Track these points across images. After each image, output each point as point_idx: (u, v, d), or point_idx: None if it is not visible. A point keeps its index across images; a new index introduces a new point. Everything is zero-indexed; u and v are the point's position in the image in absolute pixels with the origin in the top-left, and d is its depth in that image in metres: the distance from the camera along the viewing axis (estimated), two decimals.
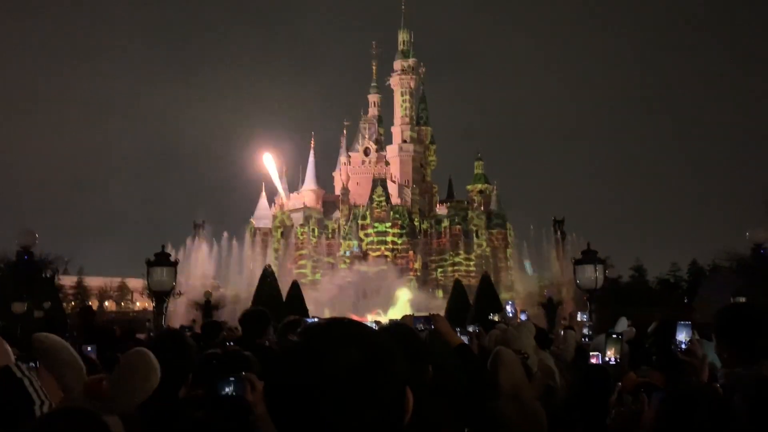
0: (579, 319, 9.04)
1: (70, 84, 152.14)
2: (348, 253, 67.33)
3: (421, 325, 4.03)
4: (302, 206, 70.60)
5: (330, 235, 69.15)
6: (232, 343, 6.49)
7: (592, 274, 13.37)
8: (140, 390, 2.72)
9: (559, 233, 60.30)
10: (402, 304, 55.45)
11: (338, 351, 1.15)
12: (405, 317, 4.08)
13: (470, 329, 7.81)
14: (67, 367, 2.72)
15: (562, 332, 8.94)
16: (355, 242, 67.94)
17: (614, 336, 3.90)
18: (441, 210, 72.19)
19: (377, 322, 10.10)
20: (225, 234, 70.45)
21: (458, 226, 68.31)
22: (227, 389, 2.52)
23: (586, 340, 8.33)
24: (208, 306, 36.28)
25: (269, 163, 76.60)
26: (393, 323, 3.09)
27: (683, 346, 3.18)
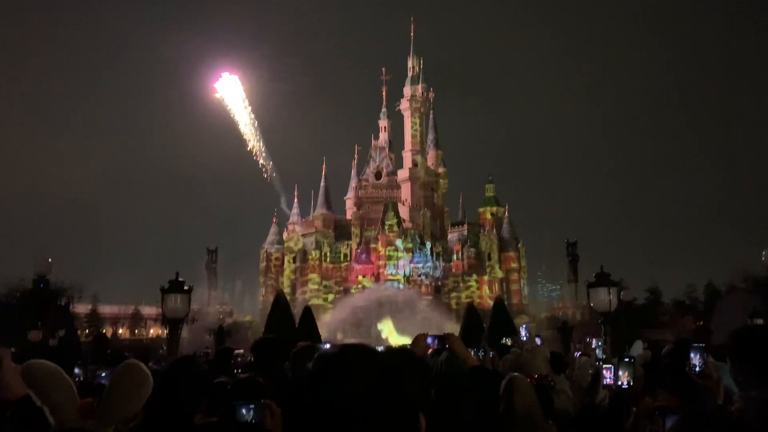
0: (593, 346, 8.93)
1: (85, 111, 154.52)
2: (360, 277, 67.24)
3: (437, 344, 4.01)
4: (314, 231, 70.78)
5: (342, 260, 69.19)
6: (240, 371, 6.50)
7: (605, 297, 13.27)
8: (133, 398, 2.78)
9: (572, 256, 59.84)
10: (388, 336, 54.98)
11: (356, 373, 1.20)
12: (419, 336, 4.07)
13: (482, 351, 7.75)
14: (59, 390, 2.78)
15: (577, 355, 8.85)
16: (367, 266, 67.87)
17: (626, 360, 3.87)
18: (453, 233, 72.07)
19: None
20: (238, 260, 70.77)
21: (471, 250, 68.12)
22: (247, 416, 2.54)
23: (601, 363, 8.24)
24: (221, 332, 36.22)
25: (229, 85, 72.70)
26: (396, 348, 3.09)
27: (698, 368, 3.15)
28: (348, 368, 1.21)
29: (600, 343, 9.31)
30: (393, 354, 2.99)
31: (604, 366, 4.16)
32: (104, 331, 47.57)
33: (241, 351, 10.14)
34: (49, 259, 17.04)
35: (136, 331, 62.02)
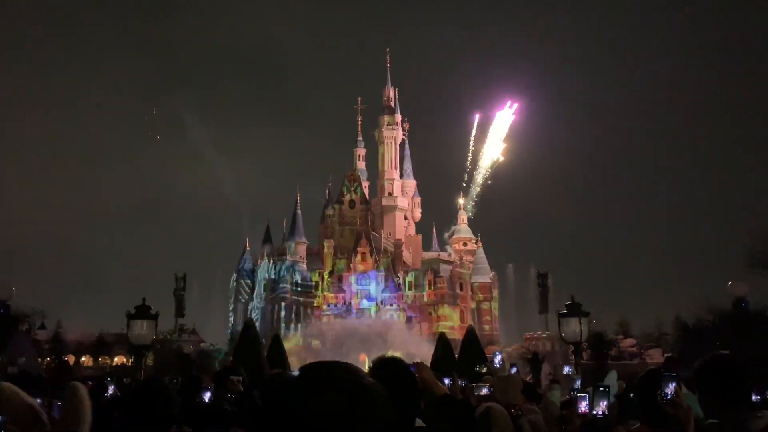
0: (564, 372, 8.93)
1: (51, 137, 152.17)
2: (331, 306, 66.74)
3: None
4: (286, 258, 70.24)
5: (314, 288, 68.66)
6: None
7: (576, 327, 13.33)
8: (78, 419, 2.77)
9: (543, 287, 60.31)
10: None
11: (321, 395, 1.11)
12: None
13: (448, 381, 7.69)
14: (23, 411, 2.73)
15: (548, 384, 8.85)
16: (339, 294, 67.44)
17: (601, 389, 3.87)
18: (426, 262, 72.19)
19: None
20: (207, 287, 69.74)
21: (443, 279, 68.22)
22: None
23: (575, 393, 8.26)
24: (188, 360, 35.50)
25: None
26: (382, 358, 3.02)
27: (668, 397, 3.16)
28: (315, 388, 1.12)
29: (571, 370, 9.33)
30: (375, 366, 2.90)
31: (579, 395, 4.16)
32: (66, 358, 46.14)
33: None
34: (11, 285, 16.54)
35: (100, 359, 60.24)
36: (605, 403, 3.77)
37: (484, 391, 5.88)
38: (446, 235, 76.46)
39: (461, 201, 77.74)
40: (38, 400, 5.11)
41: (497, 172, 79.28)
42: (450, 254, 72.57)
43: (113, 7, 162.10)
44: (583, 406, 4.03)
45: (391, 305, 66.88)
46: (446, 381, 7.25)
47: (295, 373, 1.22)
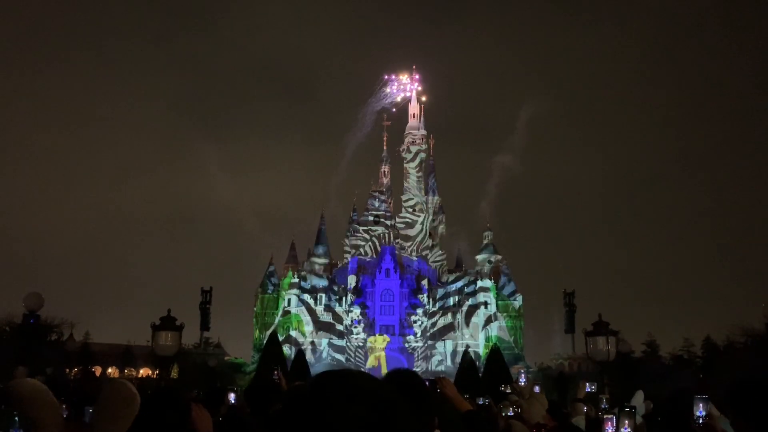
0: (587, 389, 8.71)
1: (81, 148, 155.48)
2: (356, 321, 66.67)
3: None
4: (311, 272, 70.50)
5: (338, 303, 68.72)
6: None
7: (604, 346, 13.10)
8: (121, 417, 2.76)
9: (569, 306, 59.49)
10: None
11: (343, 405, 1.10)
12: None
13: (480, 401, 7.63)
14: (46, 408, 2.78)
15: (573, 403, 8.67)
16: (363, 310, 67.35)
17: (626, 409, 3.79)
18: (450, 280, 71.80)
19: None
20: (232, 301, 70.30)
21: (467, 297, 67.73)
22: None
23: (602, 414, 8.07)
24: (212, 372, 35.68)
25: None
26: (398, 370, 2.98)
27: (701, 421, 3.07)
28: (338, 398, 1.11)
29: (593, 388, 9.10)
30: (390, 379, 2.85)
31: (606, 416, 4.08)
32: (93, 369, 46.81)
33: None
34: (41, 295, 16.81)
35: (126, 370, 60.98)
36: (630, 423, 3.68)
37: (510, 411, 5.80)
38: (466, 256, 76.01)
39: (487, 218, 77.36)
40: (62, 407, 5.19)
41: (522, 189, 78.71)
42: (474, 271, 72.04)
43: (146, 23, 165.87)
44: (609, 428, 3.94)
45: (415, 322, 66.56)
46: (481, 401, 7.18)
47: (314, 381, 1.19)
